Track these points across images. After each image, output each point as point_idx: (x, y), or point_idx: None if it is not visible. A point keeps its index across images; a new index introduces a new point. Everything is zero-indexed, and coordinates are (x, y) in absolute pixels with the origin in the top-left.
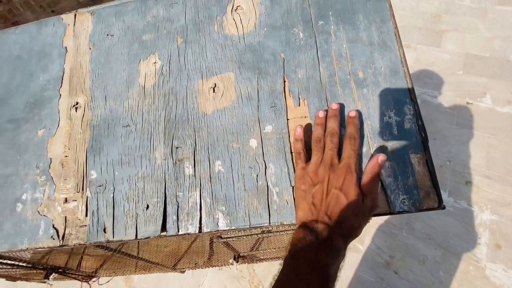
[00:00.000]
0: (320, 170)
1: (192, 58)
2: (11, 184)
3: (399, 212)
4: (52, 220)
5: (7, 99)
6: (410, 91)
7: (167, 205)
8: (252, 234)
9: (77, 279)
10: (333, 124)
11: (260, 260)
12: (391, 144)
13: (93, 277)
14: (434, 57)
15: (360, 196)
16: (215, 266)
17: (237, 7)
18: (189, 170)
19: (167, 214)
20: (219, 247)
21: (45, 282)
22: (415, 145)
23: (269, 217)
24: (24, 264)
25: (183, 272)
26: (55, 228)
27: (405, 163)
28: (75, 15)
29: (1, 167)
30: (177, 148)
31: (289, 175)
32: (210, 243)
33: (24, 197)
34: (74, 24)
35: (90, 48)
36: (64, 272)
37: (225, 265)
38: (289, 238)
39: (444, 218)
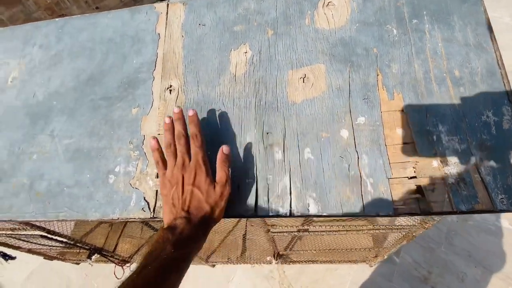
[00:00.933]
0: (175, 173)
1: (282, 49)
2: (104, 157)
3: (500, 211)
4: (143, 193)
5: (101, 79)
6: (508, 93)
7: (258, 186)
8: (297, 231)
9: (114, 262)
10: (178, 127)
11: (293, 261)
12: (489, 143)
13: (128, 262)
14: None
15: (212, 185)
16: (248, 263)
17: (328, 3)
18: (278, 155)
19: (258, 195)
20: (252, 244)
21: (78, 264)
22: None
23: (363, 207)
24: (71, 242)
25: (213, 266)
26: (146, 201)
27: (504, 163)
28: (168, 4)
29: (95, 140)
30: (267, 133)
31: (384, 166)
32: (243, 239)
33: (117, 169)
34: (167, 12)
35: (182, 36)
36: (104, 254)
37: (259, 263)
38: (330, 239)
39: (485, 236)
